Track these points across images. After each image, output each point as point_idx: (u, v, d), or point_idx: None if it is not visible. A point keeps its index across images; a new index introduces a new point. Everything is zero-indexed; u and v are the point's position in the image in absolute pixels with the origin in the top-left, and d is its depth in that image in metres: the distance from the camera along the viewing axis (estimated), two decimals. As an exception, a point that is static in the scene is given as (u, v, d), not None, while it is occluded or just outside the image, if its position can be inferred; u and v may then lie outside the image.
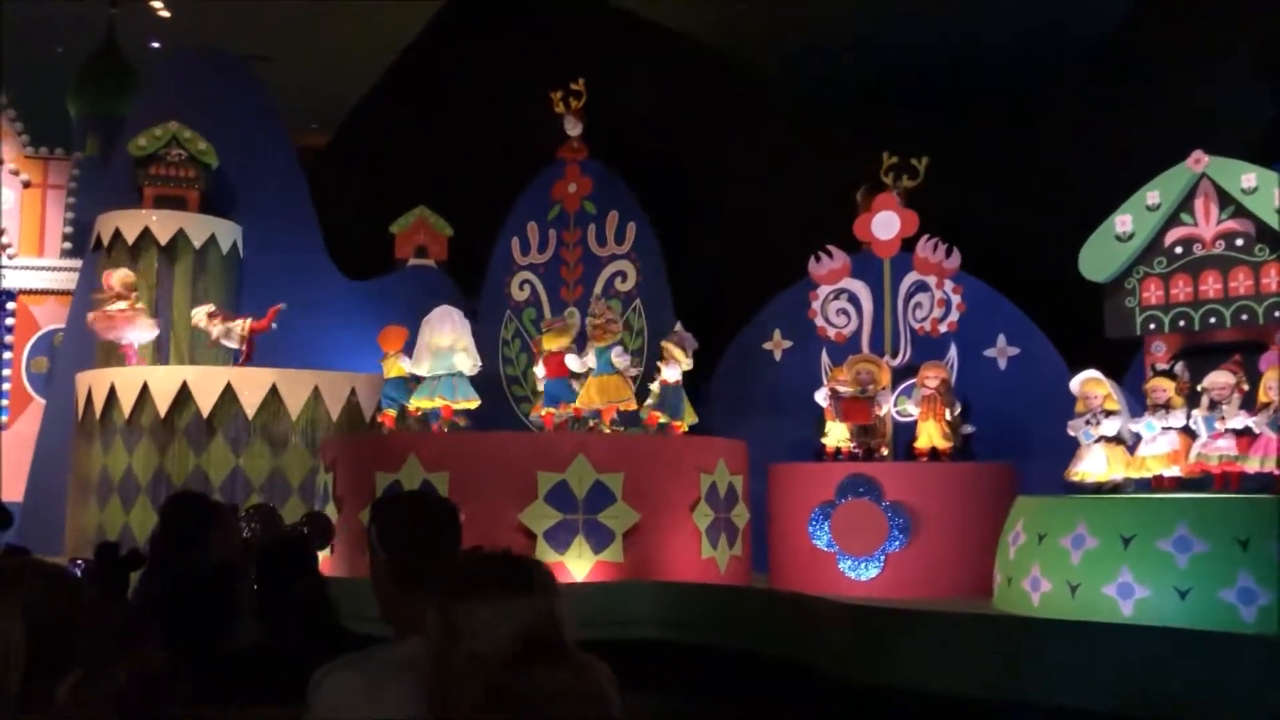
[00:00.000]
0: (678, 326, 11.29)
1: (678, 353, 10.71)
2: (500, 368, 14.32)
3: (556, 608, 2.23)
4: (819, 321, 11.64)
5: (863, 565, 10.22)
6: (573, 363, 10.61)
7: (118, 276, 12.58)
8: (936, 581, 10.06)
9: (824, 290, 11.62)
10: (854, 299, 11.67)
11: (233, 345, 12.57)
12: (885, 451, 10.71)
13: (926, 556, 10.14)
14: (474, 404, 10.57)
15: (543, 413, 10.63)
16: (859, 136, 14.05)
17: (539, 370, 10.96)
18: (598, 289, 14.01)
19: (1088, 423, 9.58)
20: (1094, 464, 9.45)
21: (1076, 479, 9.57)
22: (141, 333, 12.65)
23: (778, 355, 12.94)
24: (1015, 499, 9.79)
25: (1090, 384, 9.64)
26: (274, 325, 12.60)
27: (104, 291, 12.53)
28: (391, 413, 10.66)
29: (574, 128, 14.02)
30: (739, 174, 15.42)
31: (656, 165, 14.86)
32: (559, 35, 16.98)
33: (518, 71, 16.71)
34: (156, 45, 19.90)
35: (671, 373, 10.64)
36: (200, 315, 12.45)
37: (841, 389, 10.85)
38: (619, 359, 10.51)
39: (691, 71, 16.42)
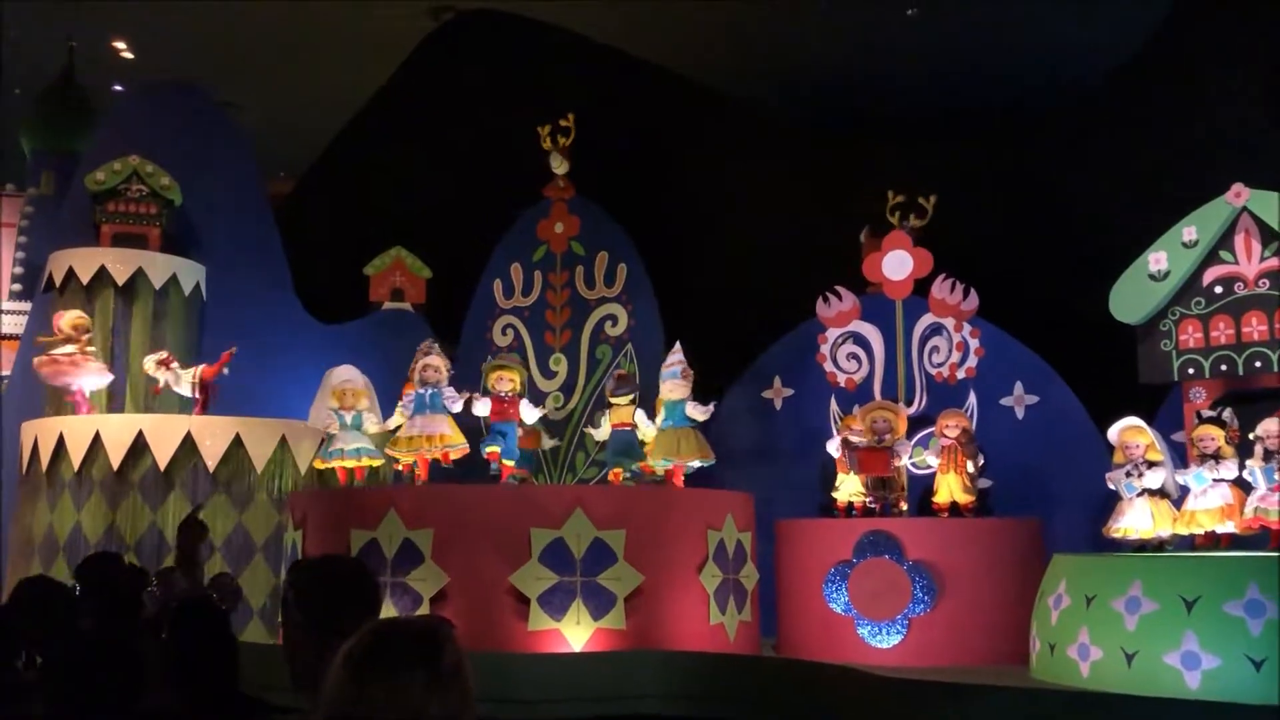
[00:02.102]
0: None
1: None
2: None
3: (464, 690, 1.98)
4: (828, 367, 10.92)
5: (884, 631, 9.41)
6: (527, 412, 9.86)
7: (68, 318, 11.62)
8: (965, 648, 9.28)
9: (833, 334, 10.91)
10: (864, 343, 10.95)
11: (184, 393, 11.63)
12: (904, 506, 9.92)
13: (953, 621, 9.35)
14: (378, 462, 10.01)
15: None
16: (861, 173, 13.47)
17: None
18: (586, 332, 13.24)
19: (1128, 474, 8.85)
20: (1138, 519, 8.72)
21: (1118, 535, 8.83)
22: (92, 378, 11.67)
23: (778, 404, 12.20)
24: (1047, 557, 9.08)
25: (1131, 432, 8.94)
26: (225, 370, 11.65)
27: (52, 334, 11.57)
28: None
29: (560, 165, 13.33)
30: (736, 213, 14.76)
31: (648, 204, 14.19)
32: (543, 72, 16.35)
33: (500, 109, 16.05)
34: (119, 88, 19.09)
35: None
36: (150, 363, 11.49)
37: (855, 439, 10.09)
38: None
39: (684, 107, 15.82)
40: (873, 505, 9.92)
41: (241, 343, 12.56)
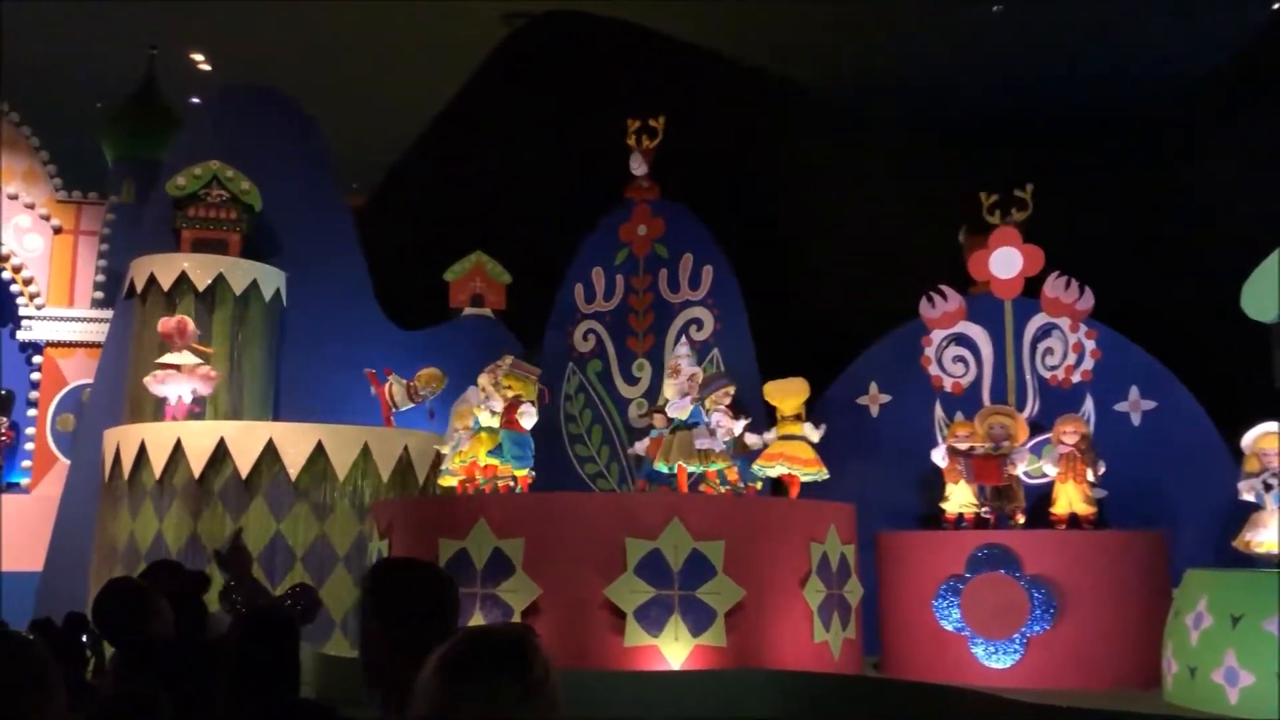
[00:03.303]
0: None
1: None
2: (563, 425, 13.10)
3: (553, 700, 1.95)
4: (933, 370, 10.37)
5: (1000, 650, 8.81)
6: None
7: (192, 325, 11.52)
8: (1087, 670, 8.66)
9: (938, 335, 10.35)
10: (971, 345, 10.38)
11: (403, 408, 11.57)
12: (1021, 518, 9.31)
13: (1074, 640, 8.73)
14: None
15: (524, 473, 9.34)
16: (956, 171, 12.90)
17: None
18: (670, 337, 12.81)
19: (1267, 485, 8.19)
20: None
21: (1260, 550, 8.16)
22: (209, 386, 11.56)
23: (874, 410, 11.64)
24: (1174, 572, 8.46)
25: (1268, 439, 8.29)
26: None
27: (184, 338, 11.36)
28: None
29: (639, 166, 12.93)
30: (826, 213, 14.24)
31: (735, 205, 13.74)
32: (621, 71, 15.99)
33: (579, 110, 15.73)
34: (196, 100, 19.18)
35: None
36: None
37: (963, 446, 9.52)
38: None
39: (771, 105, 15.35)
40: (987, 516, 9.33)
41: (322, 349, 12.39)
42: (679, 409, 9.26)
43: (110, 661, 4.24)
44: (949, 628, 8.98)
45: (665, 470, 9.22)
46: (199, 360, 11.52)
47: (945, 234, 11.76)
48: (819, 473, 9.37)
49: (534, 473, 9.44)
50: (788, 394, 9.74)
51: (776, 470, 9.40)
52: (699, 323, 12.66)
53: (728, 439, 9.30)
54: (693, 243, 12.74)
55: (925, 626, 9.16)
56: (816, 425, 9.59)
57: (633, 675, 8.02)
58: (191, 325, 11.53)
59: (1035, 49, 15.39)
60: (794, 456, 9.35)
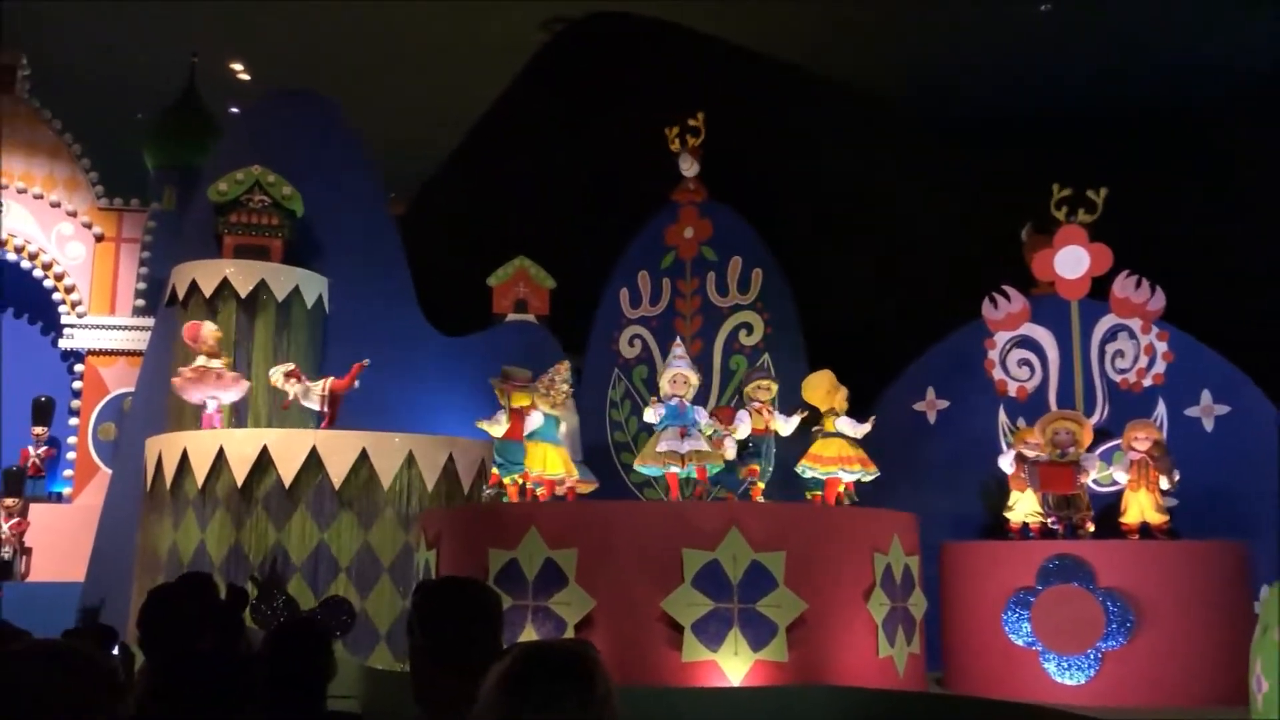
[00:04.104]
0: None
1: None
2: (608, 433, 12.84)
3: (614, 715, 1.93)
4: (997, 374, 10.00)
5: (1073, 666, 8.44)
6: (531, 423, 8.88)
7: (209, 330, 11.33)
8: (1166, 686, 8.28)
9: (1001, 338, 9.98)
10: (1036, 348, 10.01)
11: (313, 406, 11.21)
12: (1091, 527, 8.93)
13: (1153, 655, 8.36)
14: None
15: (507, 480, 8.91)
16: (1016, 169, 12.53)
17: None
18: (719, 342, 12.52)
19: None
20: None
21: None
22: (233, 392, 11.37)
23: (931, 417, 11.30)
24: (1254, 584, 8.06)
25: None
26: (357, 384, 11.20)
27: (197, 344, 11.21)
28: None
29: (689, 167, 12.68)
30: (880, 214, 13.89)
31: (785, 206, 13.41)
32: (664, 73, 15.74)
33: (622, 113, 15.48)
34: (235, 110, 19.14)
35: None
36: (277, 375, 11.08)
37: (1030, 452, 9.15)
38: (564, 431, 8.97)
39: (824, 106, 15.02)
40: (1054, 526, 8.96)
41: (366, 356, 12.15)
42: (652, 414, 8.86)
43: (140, 674, 4.20)
44: (1019, 642, 8.62)
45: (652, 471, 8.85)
46: (221, 365, 11.32)
47: (1002, 234, 11.41)
48: (861, 471, 8.86)
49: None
50: (811, 390, 9.26)
51: (811, 473, 8.94)
52: (748, 327, 12.37)
53: (724, 434, 8.85)
54: (742, 245, 12.45)
55: (992, 641, 8.81)
56: (862, 420, 8.97)
57: (691, 691, 7.70)
58: (204, 330, 11.31)
59: (1092, 45, 14.98)
60: (817, 455, 8.86)
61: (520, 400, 8.84)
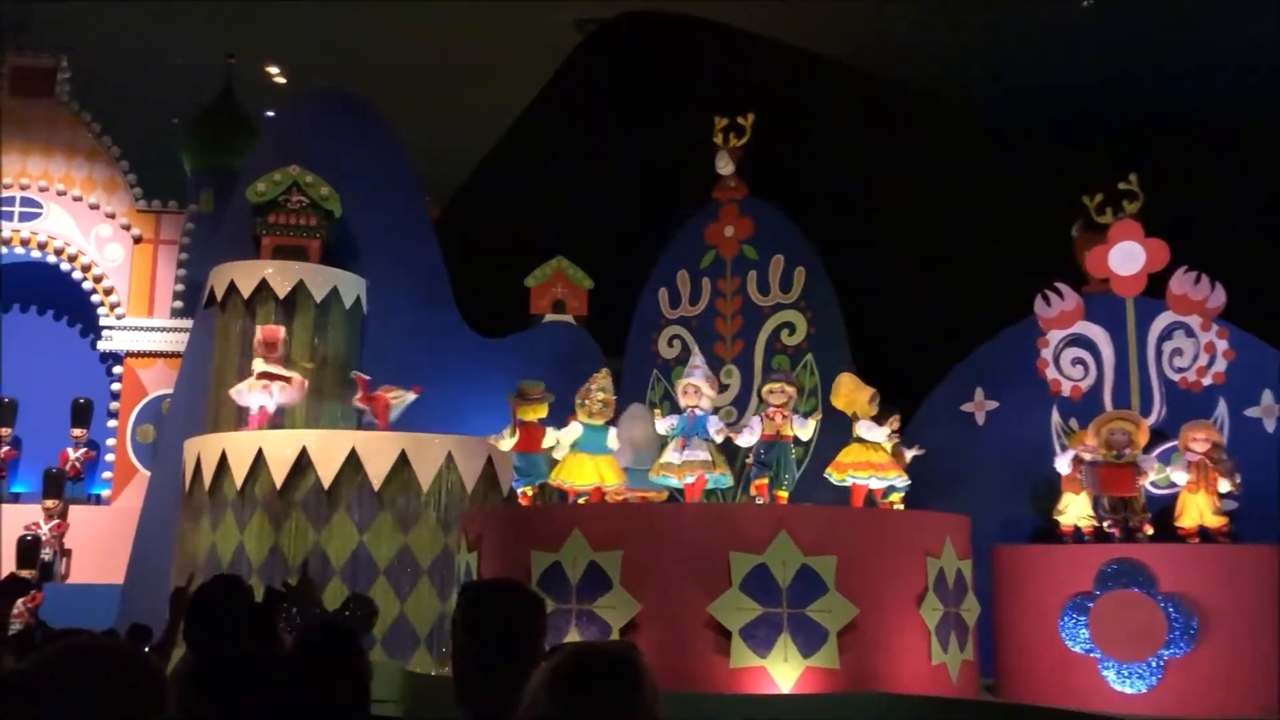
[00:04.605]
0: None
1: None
2: (648, 435, 12.65)
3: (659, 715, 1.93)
4: (1050, 373, 9.75)
5: (1134, 674, 8.17)
6: (561, 436, 8.80)
7: (281, 333, 11.32)
8: (1233, 696, 8.02)
9: (1055, 336, 9.72)
10: (1091, 346, 9.74)
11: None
12: (1149, 530, 8.65)
13: (1217, 663, 8.09)
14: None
15: (521, 491, 8.90)
16: (1063, 165, 12.27)
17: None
18: (760, 342, 12.31)
19: None
20: None
21: None
22: (296, 397, 11.35)
23: (980, 418, 11.05)
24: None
25: None
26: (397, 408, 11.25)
27: (273, 350, 11.13)
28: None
29: (726, 165, 12.46)
30: (925, 211, 13.64)
31: (828, 203, 13.19)
32: (704, 72, 15.56)
33: (662, 112, 15.33)
34: (271, 114, 19.17)
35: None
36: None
37: (1088, 455, 8.89)
38: (614, 441, 8.76)
39: (865, 102, 14.79)
40: (1109, 529, 8.69)
41: (403, 357, 12.09)
42: (663, 425, 8.74)
43: (176, 672, 4.21)
44: (1076, 649, 8.37)
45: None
46: (292, 373, 11.30)
47: (1049, 231, 11.16)
48: (896, 477, 8.61)
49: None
50: (834, 394, 8.95)
51: (838, 480, 8.69)
52: (791, 327, 12.15)
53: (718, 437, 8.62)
54: (783, 243, 12.24)
55: (1048, 647, 8.56)
56: (882, 421, 8.62)
57: (740, 699, 7.52)
58: (280, 336, 11.29)
59: (1138, 39, 14.67)
60: (839, 462, 8.59)
61: (531, 413, 8.79)
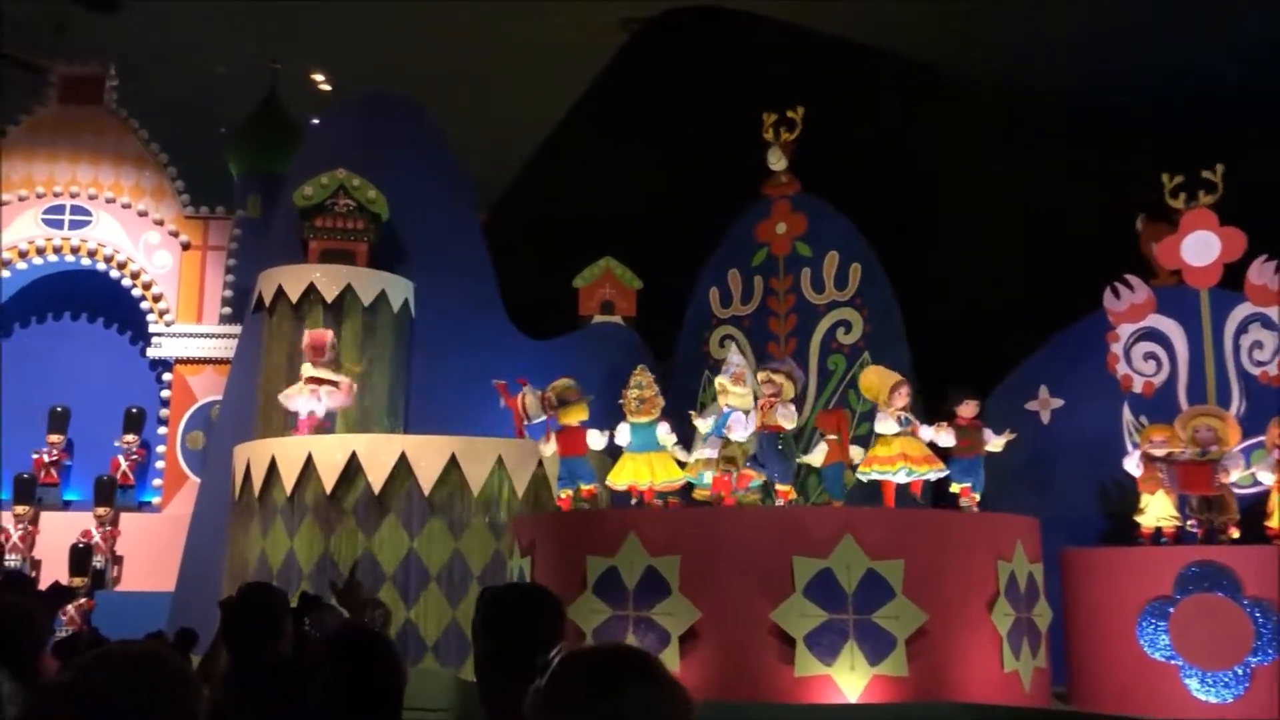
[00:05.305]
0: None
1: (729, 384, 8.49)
2: (700, 437, 12.40)
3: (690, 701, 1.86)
4: (1121, 369, 9.38)
5: (1219, 682, 7.79)
6: (594, 439, 8.70)
7: (332, 339, 11.20)
8: (1324, 706, 7.57)
9: (1125, 331, 9.36)
10: (1163, 340, 9.36)
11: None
12: (1235, 533, 8.26)
13: (1307, 672, 7.66)
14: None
15: (559, 495, 8.83)
16: (1124, 155, 11.86)
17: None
18: (815, 341, 12.02)
19: None
20: None
21: None
22: (345, 401, 11.23)
23: (1045, 417, 10.70)
24: None
25: None
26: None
27: (320, 354, 11.01)
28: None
29: (778, 161, 12.20)
30: (984, 204, 13.27)
31: (884, 198, 12.86)
32: (751, 67, 15.29)
33: (709, 109, 15.09)
34: (316, 121, 19.16)
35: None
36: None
37: (1158, 451, 8.51)
38: (667, 436, 8.53)
39: (919, 92, 14.45)
40: (1193, 530, 8.32)
41: (451, 360, 11.91)
42: (702, 424, 8.62)
43: (215, 676, 4.33)
44: (1156, 656, 8.01)
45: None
46: (340, 377, 11.17)
47: (1112, 223, 10.78)
48: (929, 470, 8.23)
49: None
50: (862, 387, 8.78)
51: (863, 474, 8.38)
52: (847, 325, 11.87)
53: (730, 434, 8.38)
54: (838, 239, 11.95)
55: (1125, 654, 8.20)
56: (899, 417, 8.28)
57: (805, 709, 7.25)
58: (328, 340, 11.16)
59: (1197, 25, 14.20)
60: (875, 456, 8.27)
61: (569, 416, 8.75)
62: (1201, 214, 9.19)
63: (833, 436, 8.35)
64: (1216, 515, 8.22)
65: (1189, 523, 8.32)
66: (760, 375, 8.47)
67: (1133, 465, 8.77)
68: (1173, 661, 7.94)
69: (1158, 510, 8.55)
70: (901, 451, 8.17)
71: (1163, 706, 7.83)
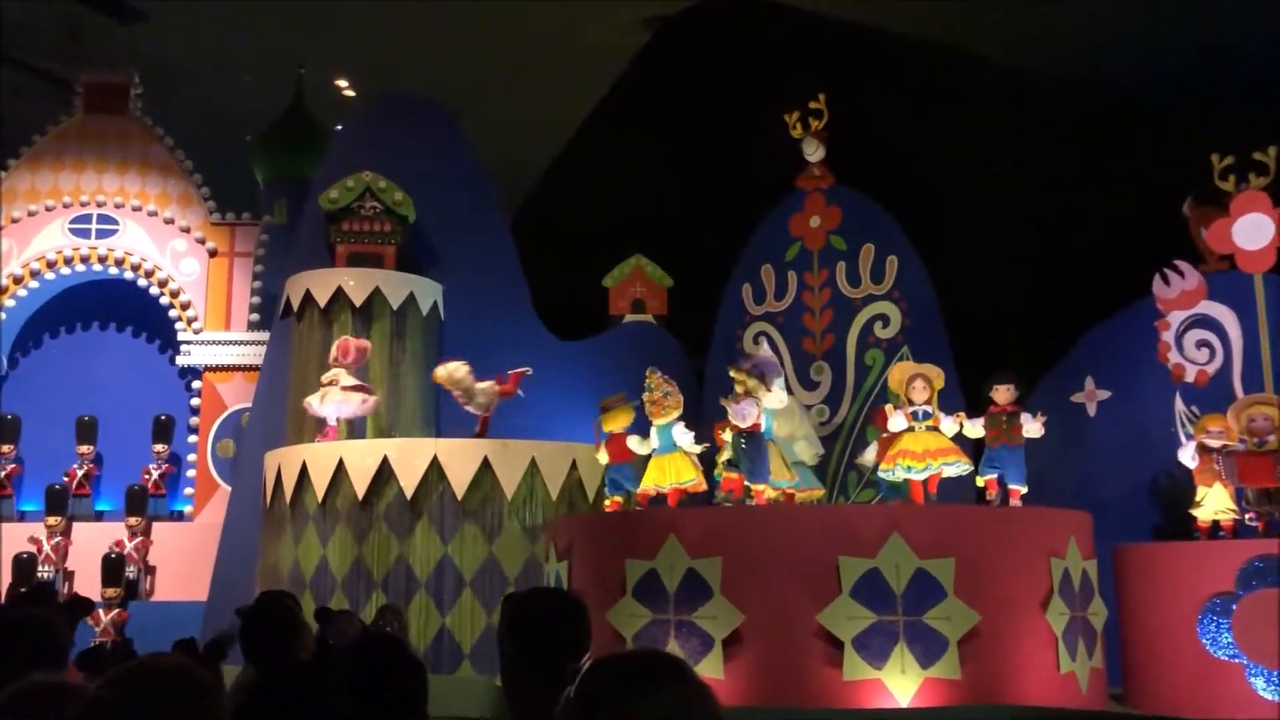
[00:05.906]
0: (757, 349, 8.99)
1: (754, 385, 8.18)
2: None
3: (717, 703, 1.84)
4: (1173, 358, 9.07)
5: (1286, 681, 7.48)
6: (635, 444, 8.52)
7: (364, 345, 11.13)
8: (1397, 704, 7.25)
9: (1176, 318, 9.06)
10: (1216, 327, 9.06)
11: (474, 411, 10.83)
12: (1297, 525, 7.96)
13: (1379, 669, 7.34)
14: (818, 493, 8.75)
15: (608, 500, 8.71)
16: (1167, 139, 11.55)
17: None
18: (852, 336, 11.77)
19: None
20: None
21: None
22: (374, 406, 11.13)
23: (1091, 409, 10.43)
24: None
25: None
26: (521, 392, 10.89)
27: (352, 359, 10.95)
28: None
29: (815, 152, 11.96)
30: (1025, 192, 12.97)
31: (920, 188, 12.59)
32: (778, 59, 15.05)
33: (737, 104, 14.86)
34: (340, 128, 19.07)
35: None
36: (461, 370, 10.72)
37: (1213, 442, 8.22)
38: (682, 436, 8.34)
39: (958, 83, 14.15)
40: (1253, 523, 8.01)
41: (481, 363, 11.73)
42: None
43: (236, 684, 4.31)
44: (1219, 654, 7.71)
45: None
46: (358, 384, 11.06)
47: (1155, 209, 10.48)
48: (957, 463, 7.97)
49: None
50: (890, 382, 8.53)
51: (885, 471, 8.16)
52: (885, 319, 11.62)
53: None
54: (874, 231, 11.70)
55: (1185, 653, 7.91)
56: (914, 412, 8.08)
57: (855, 714, 7.01)
58: (354, 348, 11.06)
59: (1223, 9, 13.83)
60: (906, 450, 8.03)
61: (611, 424, 8.67)
62: (1254, 196, 8.89)
63: (885, 435, 8.11)
64: (1277, 508, 7.91)
65: (1248, 516, 8.02)
66: (731, 371, 8.32)
67: (1188, 457, 8.48)
68: (1237, 660, 7.64)
69: (1215, 503, 8.25)
70: (924, 448, 7.93)
71: (1227, 707, 7.55)
